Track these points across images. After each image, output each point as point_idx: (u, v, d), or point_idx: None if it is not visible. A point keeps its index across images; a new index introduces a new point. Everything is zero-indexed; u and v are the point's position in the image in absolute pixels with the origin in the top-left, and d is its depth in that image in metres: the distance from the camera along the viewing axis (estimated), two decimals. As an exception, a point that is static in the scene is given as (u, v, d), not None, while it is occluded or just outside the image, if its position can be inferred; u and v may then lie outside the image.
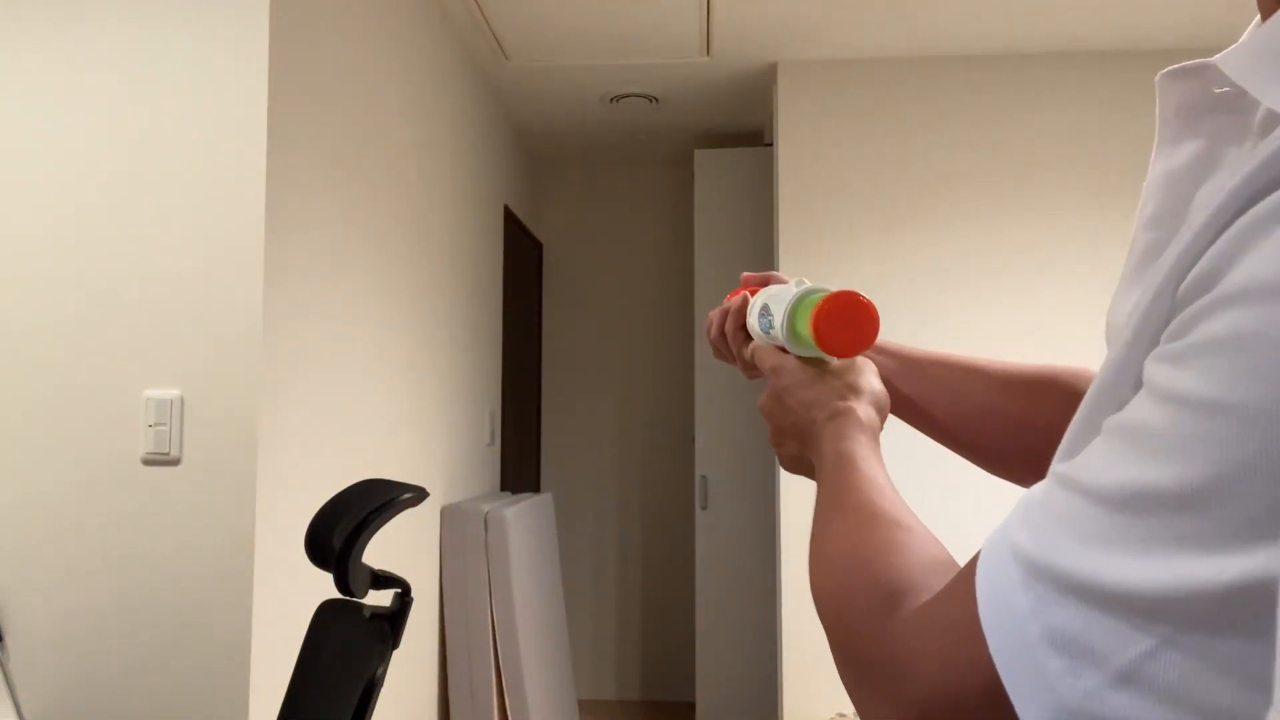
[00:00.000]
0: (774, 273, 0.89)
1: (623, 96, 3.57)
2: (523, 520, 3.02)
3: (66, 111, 1.72)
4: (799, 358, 0.73)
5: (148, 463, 1.66)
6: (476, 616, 2.78)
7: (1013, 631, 0.37)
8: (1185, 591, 0.32)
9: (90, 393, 1.68)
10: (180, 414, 1.66)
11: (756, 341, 0.80)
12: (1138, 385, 0.38)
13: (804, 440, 0.70)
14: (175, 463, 1.66)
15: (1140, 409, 0.36)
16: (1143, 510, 0.34)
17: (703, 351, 3.64)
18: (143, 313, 1.68)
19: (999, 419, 0.77)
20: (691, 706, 3.99)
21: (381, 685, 1.32)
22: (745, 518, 3.57)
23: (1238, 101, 0.42)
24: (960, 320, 3.06)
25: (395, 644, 1.37)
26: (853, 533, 0.55)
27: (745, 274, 0.88)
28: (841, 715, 2.89)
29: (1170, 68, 0.47)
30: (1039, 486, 0.40)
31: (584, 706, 4.15)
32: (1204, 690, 0.32)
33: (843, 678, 0.50)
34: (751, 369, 0.81)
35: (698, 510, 3.61)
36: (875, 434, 0.65)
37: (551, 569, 3.39)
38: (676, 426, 4.34)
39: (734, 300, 0.85)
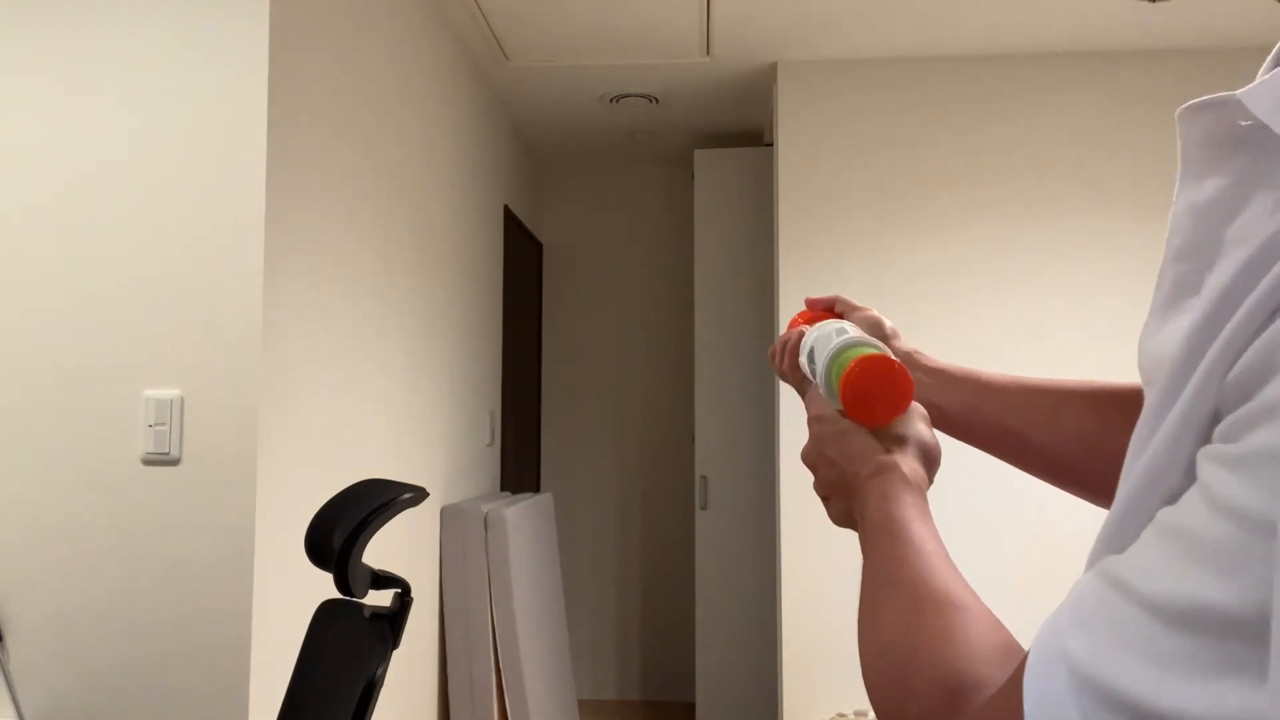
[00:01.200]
0: (840, 296, 0.86)
1: (623, 96, 3.57)
2: (523, 520, 3.02)
3: (68, 115, 1.72)
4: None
5: (148, 463, 1.66)
6: (476, 616, 2.78)
7: None
8: (1246, 715, 0.31)
9: (90, 393, 1.68)
10: (180, 414, 1.66)
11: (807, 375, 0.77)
12: (1188, 472, 0.37)
13: (847, 496, 0.66)
14: (175, 463, 1.66)
15: (1195, 514, 0.35)
16: (1199, 630, 0.33)
17: (703, 351, 3.64)
18: (143, 313, 1.68)
19: (1093, 440, 0.74)
20: (691, 706, 3.99)
21: (381, 685, 1.32)
22: (745, 518, 3.57)
23: (1263, 136, 0.42)
24: (960, 320, 3.06)
25: (395, 644, 1.37)
26: (906, 616, 0.52)
27: (809, 298, 0.86)
28: (841, 715, 2.89)
29: (1191, 102, 0.47)
30: (1089, 583, 0.39)
31: (584, 706, 4.15)
32: None
33: None
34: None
35: (698, 510, 3.61)
36: (922, 490, 0.62)
37: (551, 569, 3.39)
38: (676, 426, 4.34)
39: (791, 334, 0.83)
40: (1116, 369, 2.70)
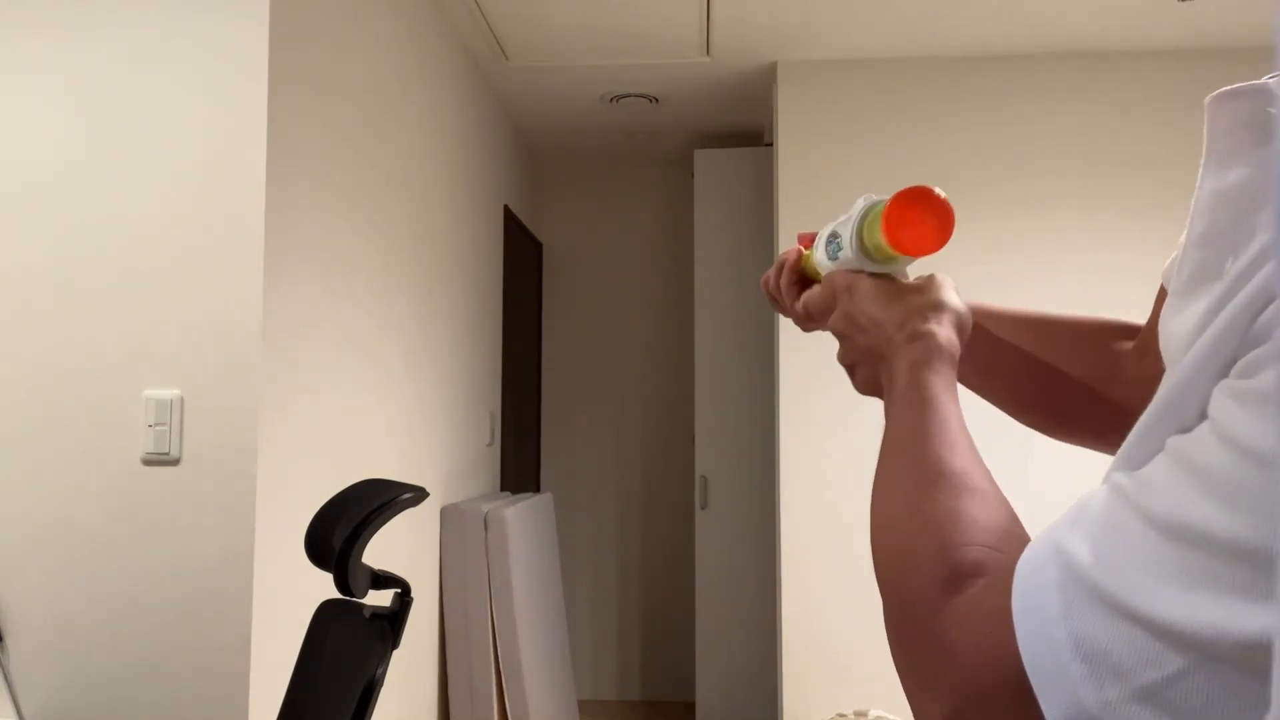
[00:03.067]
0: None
1: (623, 96, 3.57)
2: (523, 520, 3.02)
3: (68, 114, 1.72)
4: (873, 276, 0.68)
5: (148, 463, 1.66)
6: (476, 616, 2.78)
7: (1041, 630, 0.38)
8: (1218, 631, 0.33)
9: (90, 393, 1.68)
10: (180, 414, 1.66)
11: (826, 271, 0.75)
12: (1202, 409, 0.38)
13: (878, 361, 0.65)
14: (175, 463, 1.66)
15: (1203, 444, 0.37)
16: (1192, 546, 0.34)
17: (703, 351, 3.64)
18: (143, 313, 1.68)
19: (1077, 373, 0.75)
20: (691, 706, 3.99)
21: (381, 685, 1.32)
22: (745, 518, 3.57)
23: None
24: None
25: (395, 644, 1.37)
26: (919, 493, 0.52)
27: (801, 232, 0.85)
28: (841, 715, 2.89)
29: (1221, 90, 0.47)
30: (1099, 494, 0.41)
31: (584, 706, 4.15)
32: (1225, 718, 0.33)
33: (892, 645, 0.50)
34: (808, 320, 0.77)
35: (698, 510, 3.61)
36: (954, 360, 0.62)
37: (551, 569, 3.39)
38: (676, 426, 4.34)
39: (789, 252, 0.81)
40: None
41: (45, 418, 1.68)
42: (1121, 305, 3.02)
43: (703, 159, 3.72)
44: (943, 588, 0.46)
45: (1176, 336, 0.45)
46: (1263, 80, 0.44)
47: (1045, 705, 0.37)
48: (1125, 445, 0.43)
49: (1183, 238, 0.60)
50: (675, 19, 2.89)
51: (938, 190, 0.64)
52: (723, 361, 3.62)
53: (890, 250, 0.66)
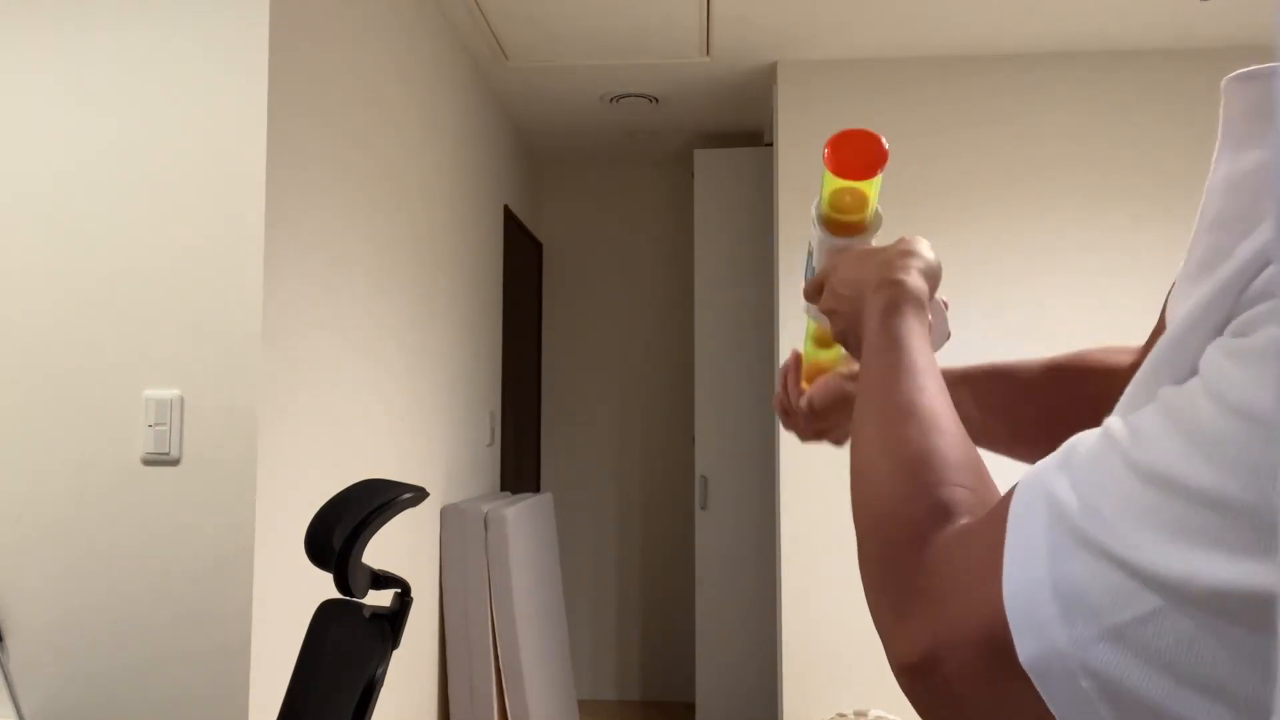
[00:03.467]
0: None
1: (623, 96, 3.57)
2: (523, 520, 3.02)
3: (67, 114, 1.72)
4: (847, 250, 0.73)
5: (148, 463, 1.66)
6: (476, 616, 2.78)
7: (1025, 570, 0.38)
8: (1190, 576, 0.33)
9: (90, 393, 1.68)
10: (180, 414, 1.66)
11: (808, 284, 0.80)
12: (1194, 365, 0.39)
13: (854, 319, 0.68)
14: (175, 463, 1.66)
15: (1193, 398, 0.37)
16: (1175, 495, 0.35)
17: (703, 351, 3.64)
18: (143, 313, 1.68)
19: (1043, 411, 0.78)
20: (691, 706, 3.99)
21: (381, 685, 1.32)
22: (745, 518, 3.57)
23: None
24: (960, 320, 3.05)
25: (395, 644, 1.37)
26: (893, 433, 0.54)
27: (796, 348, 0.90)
28: (841, 715, 2.89)
29: (1238, 71, 0.47)
30: (1088, 435, 0.41)
31: (584, 706, 4.15)
32: (1195, 661, 0.33)
33: (868, 588, 0.50)
34: (814, 418, 0.81)
35: (698, 510, 3.61)
36: (922, 305, 0.64)
37: (551, 569, 3.39)
38: (676, 426, 4.34)
39: (788, 361, 0.87)
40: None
41: (45, 418, 1.68)
42: (1121, 305, 3.03)
43: (703, 159, 3.72)
44: (920, 527, 0.47)
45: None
46: None
47: (1019, 642, 0.37)
48: (1123, 397, 0.44)
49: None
50: (675, 19, 2.89)
51: (865, 129, 0.71)
52: (723, 361, 3.62)
53: (844, 203, 0.72)
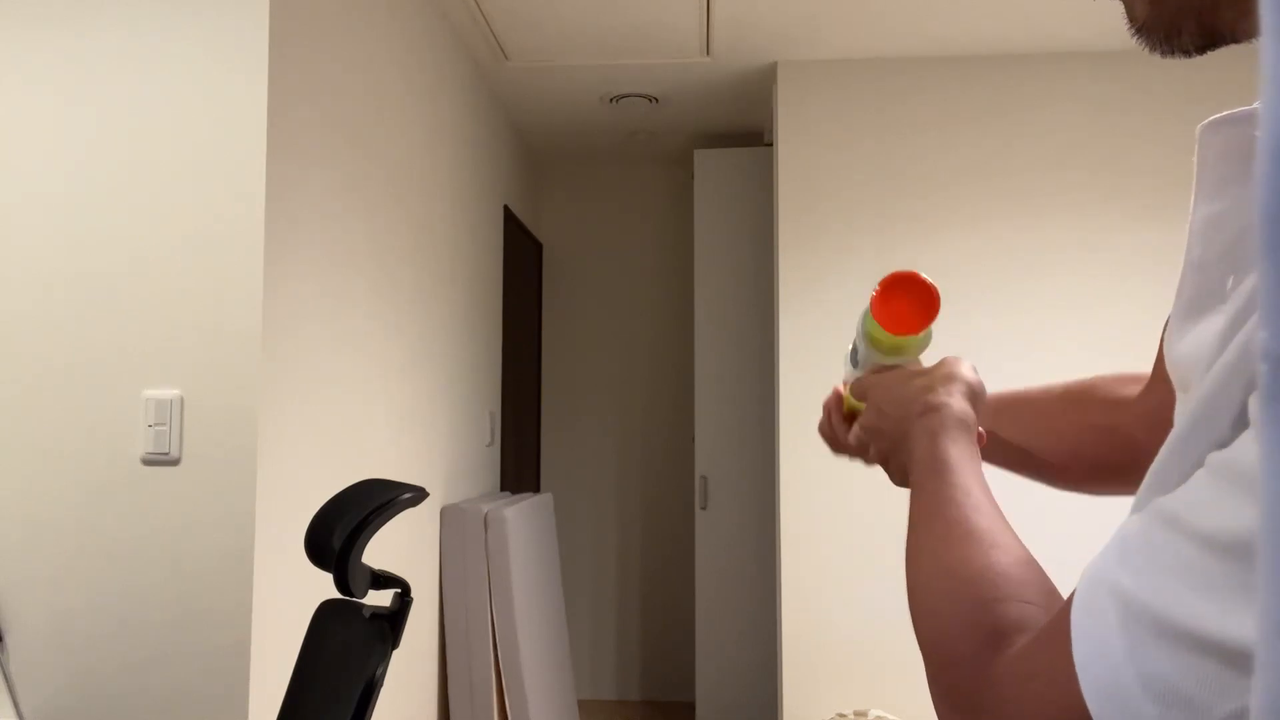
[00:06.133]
0: None
1: (623, 96, 3.57)
2: (523, 520, 3.02)
3: (67, 113, 1.72)
4: (890, 368, 0.74)
5: (148, 463, 1.66)
6: (476, 616, 2.78)
7: (1107, 674, 0.36)
8: None
9: (90, 393, 1.68)
10: (180, 414, 1.66)
11: (853, 381, 0.81)
12: (1238, 419, 0.37)
13: (900, 444, 0.68)
14: (175, 463, 1.66)
15: (1247, 453, 0.35)
16: (1248, 560, 0.33)
17: (703, 351, 3.64)
18: (143, 312, 1.68)
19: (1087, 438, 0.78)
20: (691, 706, 3.99)
21: (381, 685, 1.32)
22: (745, 518, 3.57)
23: None
24: (960, 320, 3.05)
25: (395, 644, 1.37)
26: (948, 557, 0.53)
27: (837, 385, 0.91)
28: (841, 715, 2.89)
29: (1212, 118, 0.48)
30: (1137, 522, 0.39)
31: (584, 706, 4.15)
32: None
33: (938, 707, 0.49)
34: (865, 449, 0.81)
35: (698, 510, 3.61)
36: (970, 428, 0.64)
37: (551, 569, 3.39)
38: (676, 426, 4.34)
39: (830, 398, 0.89)
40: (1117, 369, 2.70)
41: (45, 417, 1.68)
42: (1120, 305, 3.03)
43: (703, 159, 3.72)
44: (985, 645, 0.46)
45: (1188, 358, 0.45)
46: (1252, 106, 0.44)
47: None
48: (1153, 471, 0.42)
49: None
50: (675, 19, 2.89)
51: (918, 273, 0.70)
52: (723, 362, 3.62)
53: (890, 336, 0.71)
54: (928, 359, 0.77)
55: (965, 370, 0.69)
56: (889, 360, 0.74)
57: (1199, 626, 0.33)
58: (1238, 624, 0.32)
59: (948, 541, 0.54)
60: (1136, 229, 3.05)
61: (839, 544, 3.06)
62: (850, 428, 0.83)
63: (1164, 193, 3.04)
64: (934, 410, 0.65)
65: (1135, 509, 0.41)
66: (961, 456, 0.61)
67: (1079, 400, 0.80)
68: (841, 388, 0.87)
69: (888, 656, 2.97)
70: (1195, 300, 0.48)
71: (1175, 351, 0.49)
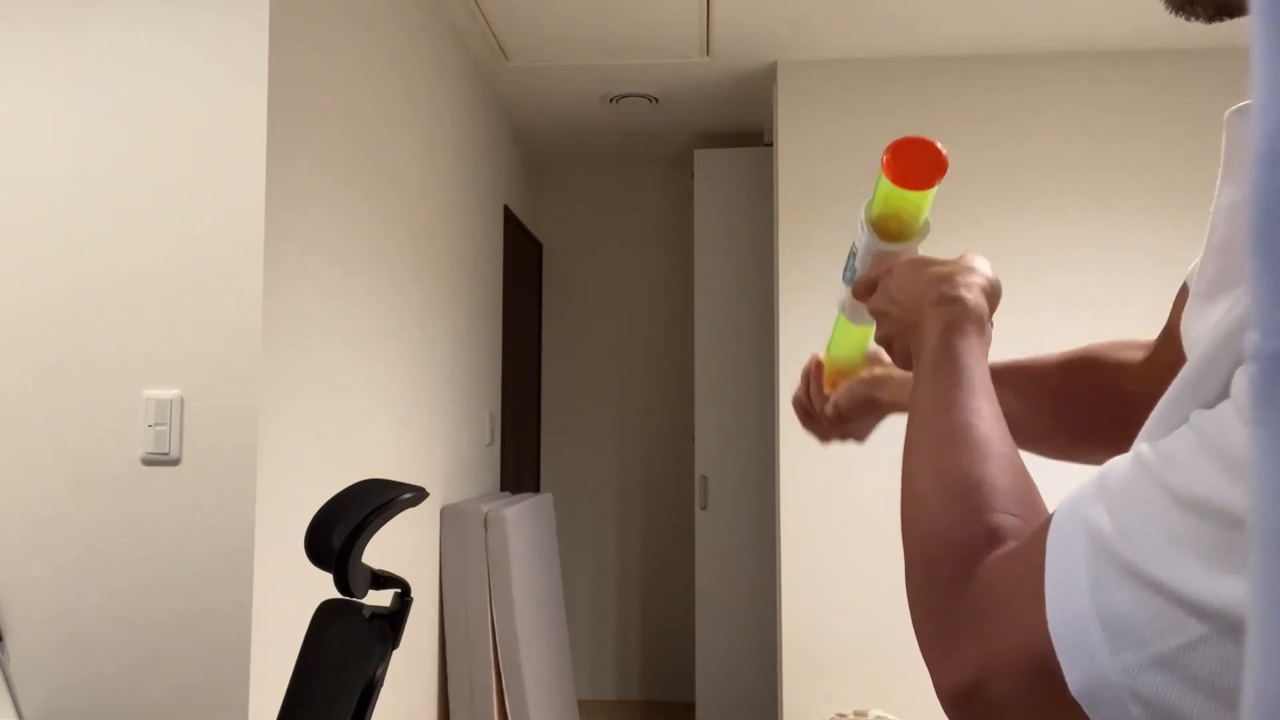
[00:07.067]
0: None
1: (623, 96, 3.57)
2: (523, 520, 3.02)
3: (67, 113, 1.72)
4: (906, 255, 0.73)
5: (148, 463, 1.66)
6: (476, 616, 2.78)
7: (1069, 600, 0.38)
8: (1234, 603, 0.33)
9: (90, 393, 1.68)
10: (180, 414, 1.66)
11: (845, 295, 0.79)
12: (1224, 386, 0.39)
13: (910, 329, 0.67)
14: (175, 463, 1.66)
15: (1225, 421, 0.37)
16: (1215, 522, 0.35)
17: (703, 351, 3.64)
18: (143, 313, 1.68)
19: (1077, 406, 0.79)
20: (691, 706, 3.99)
21: (381, 685, 1.32)
22: (745, 518, 3.57)
23: None
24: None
25: (395, 644, 1.37)
26: (946, 458, 0.54)
27: (815, 354, 0.90)
28: (841, 715, 2.89)
29: (1239, 105, 0.48)
30: (1121, 463, 0.41)
31: (584, 706, 4.15)
32: (1241, 686, 0.33)
33: (914, 612, 0.51)
34: (839, 421, 0.81)
35: (698, 510, 3.61)
36: (983, 325, 0.64)
37: (551, 569, 3.39)
38: (676, 426, 4.34)
39: (810, 362, 0.87)
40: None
41: (45, 417, 1.68)
42: (1120, 304, 3.03)
43: (703, 159, 3.72)
44: (969, 554, 0.47)
45: (1200, 337, 0.46)
46: None
47: (1067, 671, 0.38)
48: (1151, 419, 0.44)
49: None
50: (675, 19, 2.89)
51: (924, 137, 0.70)
52: (723, 361, 3.62)
53: (898, 209, 0.71)
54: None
55: (983, 265, 0.69)
56: (892, 248, 0.73)
57: (1155, 570, 0.36)
58: (1189, 573, 0.35)
59: (945, 445, 0.54)
60: (1136, 229, 3.05)
61: (839, 544, 3.06)
62: (830, 399, 0.82)
63: (1164, 193, 3.04)
64: (950, 302, 0.64)
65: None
66: (970, 354, 0.60)
67: (1079, 367, 0.80)
68: (822, 356, 0.86)
69: (888, 656, 2.97)
70: (1215, 282, 0.49)
71: (1192, 331, 0.51)
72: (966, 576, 0.46)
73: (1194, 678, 0.34)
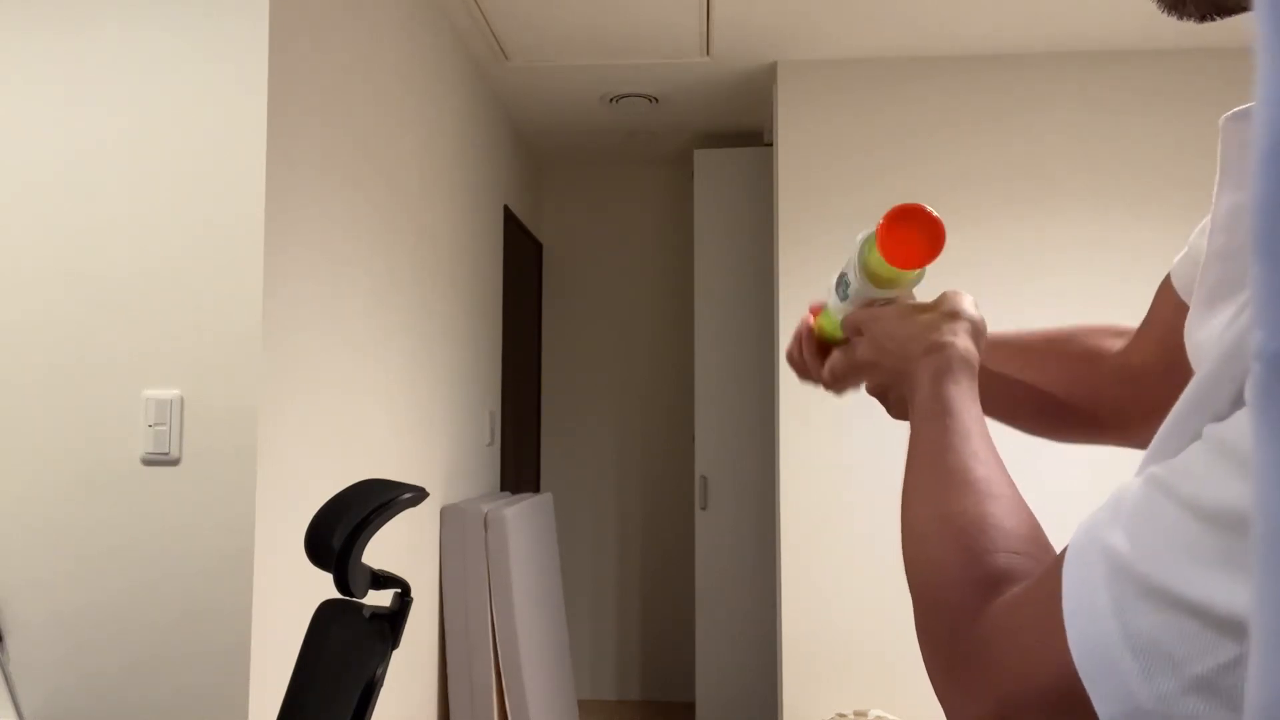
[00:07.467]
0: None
1: (623, 96, 3.57)
2: (523, 520, 3.02)
3: (67, 113, 1.72)
4: (889, 302, 0.72)
5: (148, 463, 1.66)
6: (476, 616, 2.78)
7: (1093, 628, 0.37)
8: None
9: (90, 393, 1.68)
10: (180, 414, 1.66)
11: (841, 315, 0.79)
12: (1236, 398, 0.38)
13: (901, 379, 0.68)
14: (175, 463, 1.66)
15: (1239, 428, 0.36)
16: (1236, 531, 0.34)
17: (703, 351, 3.64)
18: (143, 313, 1.68)
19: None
20: (691, 706, 3.99)
21: (381, 685, 1.32)
22: (745, 518, 3.57)
23: None
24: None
25: (395, 644, 1.37)
26: (947, 501, 0.54)
27: (811, 303, 0.89)
28: (841, 715, 2.89)
29: (1236, 109, 0.48)
30: (1134, 486, 0.40)
31: (584, 706, 4.15)
32: None
33: (926, 659, 0.50)
34: (836, 381, 0.81)
35: (698, 510, 3.61)
36: (973, 368, 0.64)
37: (551, 569, 3.39)
38: (676, 426, 4.34)
39: (802, 324, 0.86)
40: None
41: (45, 417, 1.68)
42: (1120, 304, 3.03)
43: (703, 159, 3.72)
44: (976, 594, 0.47)
45: (1205, 345, 0.46)
46: None
47: (1098, 704, 0.36)
48: (1157, 438, 0.43)
49: (1192, 236, 0.61)
50: (675, 19, 2.90)
51: (925, 206, 0.69)
52: (723, 361, 3.62)
53: (890, 269, 0.69)
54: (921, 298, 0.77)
55: (968, 306, 0.69)
56: (882, 294, 0.73)
57: (1181, 588, 0.35)
58: (1217, 588, 0.34)
59: (945, 489, 0.54)
60: (1137, 229, 3.05)
61: (839, 544, 3.06)
62: (823, 360, 0.82)
63: (1164, 192, 3.04)
64: (938, 350, 0.64)
65: (1137, 474, 0.42)
66: (963, 399, 0.61)
67: (1058, 344, 0.81)
68: (811, 318, 0.85)
69: (888, 656, 2.97)
70: (1217, 288, 0.48)
71: (1195, 338, 0.51)
72: (974, 616, 0.46)
73: (1232, 699, 0.33)
